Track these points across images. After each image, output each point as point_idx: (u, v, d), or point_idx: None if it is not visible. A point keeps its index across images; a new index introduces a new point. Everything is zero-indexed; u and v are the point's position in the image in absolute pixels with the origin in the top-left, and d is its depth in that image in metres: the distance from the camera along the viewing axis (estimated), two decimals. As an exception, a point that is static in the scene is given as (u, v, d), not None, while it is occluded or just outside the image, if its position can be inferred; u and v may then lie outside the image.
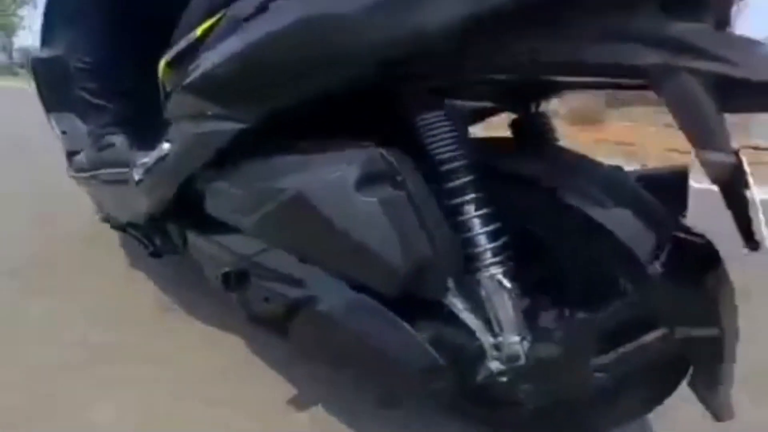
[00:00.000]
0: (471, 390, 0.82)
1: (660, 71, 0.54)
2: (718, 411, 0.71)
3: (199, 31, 0.90)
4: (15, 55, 28.49)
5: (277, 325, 0.93)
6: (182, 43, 0.95)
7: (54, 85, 1.63)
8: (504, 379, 0.79)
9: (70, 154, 1.65)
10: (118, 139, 1.44)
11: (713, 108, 0.52)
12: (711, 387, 0.70)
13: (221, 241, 1.05)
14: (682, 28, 0.53)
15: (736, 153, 0.52)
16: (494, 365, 0.78)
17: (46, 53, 1.62)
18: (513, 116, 1.11)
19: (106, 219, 1.62)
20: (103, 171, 1.44)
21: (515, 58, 0.63)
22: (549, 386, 0.79)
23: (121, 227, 1.52)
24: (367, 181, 0.68)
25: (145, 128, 1.27)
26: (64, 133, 1.66)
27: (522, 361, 0.77)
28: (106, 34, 1.49)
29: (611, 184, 0.76)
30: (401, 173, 0.68)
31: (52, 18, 1.62)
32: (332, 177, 0.70)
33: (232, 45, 0.81)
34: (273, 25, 0.73)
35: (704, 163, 0.52)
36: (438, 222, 0.70)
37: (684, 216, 0.84)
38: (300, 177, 0.75)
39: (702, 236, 0.68)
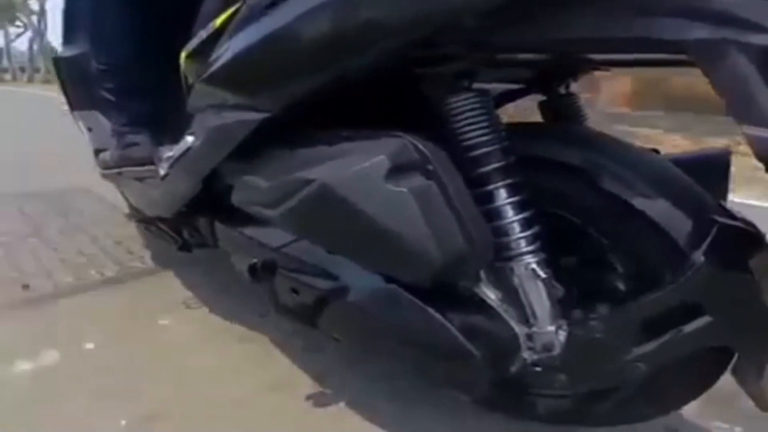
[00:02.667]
0: (504, 380, 0.80)
1: (705, 46, 0.51)
2: (763, 400, 0.68)
3: (218, 22, 0.89)
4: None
5: (305, 315, 0.93)
6: (203, 34, 0.94)
7: (77, 84, 1.64)
8: (538, 369, 0.77)
9: (97, 152, 1.67)
10: (142, 138, 1.46)
11: (760, 82, 0.49)
12: (756, 375, 0.67)
13: (249, 232, 1.05)
14: None
15: None
16: (528, 355, 0.77)
17: (68, 52, 1.64)
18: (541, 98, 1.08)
19: (137, 215, 1.64)
20: (128, 169, 1.46)
21: (547, 34, 0.60)
22: (585, 376, 0.77)
23: (150, 222, 1.53)
24: (398, 171, 0.66)
25: (168, 126, 1.27)
26: (89, 130, 1.68)
27: (557, 351, 0.75)
28: (125, 32, 1.49)
29: (649, 168, 0.73)
30: (432, 162, 0.66)
31: (73, 16, 1.63)
32: (362, 167, 0.68)
33: (252, 33, 0.79)
34: (295, 11, 0.71)
35: (750, 140, 0.50)
36: (471, 211, 0.68)
37: (726, 200, 0.81)
38: (328, 167, 0.73)
39: (746, 221, 0.65)
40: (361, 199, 0.69)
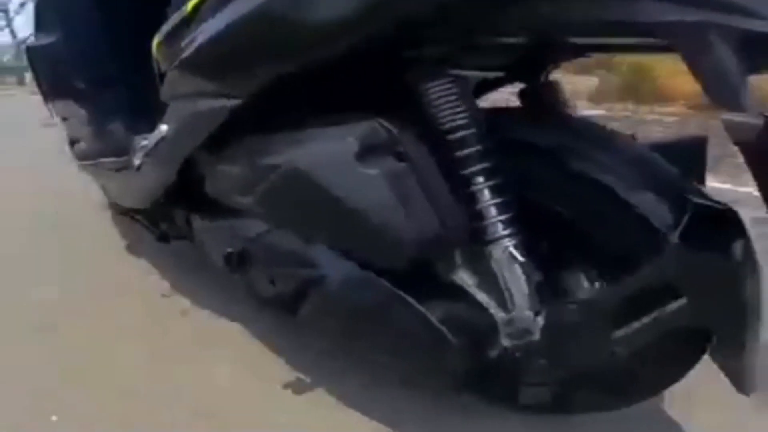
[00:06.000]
0: (484, 367, 0.80)
1: (683, 29, 0.50)
2: (742, 383, 0.68)
3: (189, 7, 0.87)
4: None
5: (283, 305, 0.92)
6: (173, 20, 0.92)
7: (50, 73, 1.60)
8: (517, 355, 0.77)
9: (72, 142, 1.63)
10: (117, 127, 1.42)
11: (738, 67, 0.48)
12: (734, 358, 0.68)
13: (224, 222, 1.03)
14: None
15: (763, 115, 0.49)
16: (507, 341, 0.76)
17: (40, 41, 1.60)
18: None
19: (115, 207, 1.62)
20: (104, 159, 1.43)
21: (526, 18, 0.59)
22: (565, 362, 0.77)
23: (127, 213, 1.51)
24: (368, 152, 0.65)
25: (144, 115, 1.25)
26: (64, 119, 1.65)
27: (535, 337, 0.74)
28: (97, 19, 1.45)
29: (627, 153, 0.73)
30: (402, 143, 0.65)
31: (44, 5, 1.59)
32: (331, 150, 0.68)
33: (222, 19, 0.77)
34: None
35: (728, 126, 0.50)
36: (443, 193, 0.68)
37: (703, 184, 0.81)
38: (297, 151, 0.72)
39: (722, 203, 0.65)
40: (332, 182, 0.68)
